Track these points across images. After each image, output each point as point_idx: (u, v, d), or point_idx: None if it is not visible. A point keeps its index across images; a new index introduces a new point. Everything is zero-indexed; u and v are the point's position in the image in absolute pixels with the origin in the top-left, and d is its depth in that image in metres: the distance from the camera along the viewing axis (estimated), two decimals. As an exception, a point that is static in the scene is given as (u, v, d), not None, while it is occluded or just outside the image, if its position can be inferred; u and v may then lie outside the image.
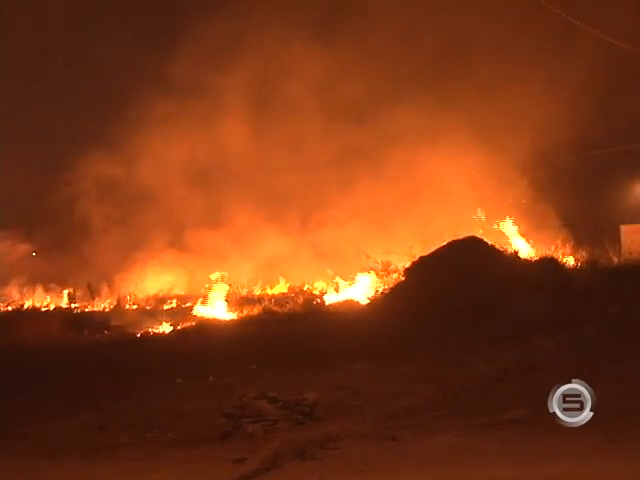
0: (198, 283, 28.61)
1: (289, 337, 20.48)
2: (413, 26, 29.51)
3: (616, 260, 25.33)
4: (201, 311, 25.97)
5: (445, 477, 9.30)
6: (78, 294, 29.73)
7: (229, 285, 26.72)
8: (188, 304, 27.64)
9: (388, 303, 22.28)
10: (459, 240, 23.14)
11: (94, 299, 29.20)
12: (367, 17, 30.64)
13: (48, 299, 29.60)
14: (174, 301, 28.30)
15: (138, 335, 24.04)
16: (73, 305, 29.03)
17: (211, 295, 26.45)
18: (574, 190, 27.40)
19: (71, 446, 12.72)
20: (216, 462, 10.94)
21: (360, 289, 25.73)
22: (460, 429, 11.77)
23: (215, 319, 24.96)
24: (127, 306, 28.20)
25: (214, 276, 26.88)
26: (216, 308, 25.87)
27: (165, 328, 24.50)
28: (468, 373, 15.05)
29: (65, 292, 30.02)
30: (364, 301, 24.62)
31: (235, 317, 25.01)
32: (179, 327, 24.42)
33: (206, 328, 23.47)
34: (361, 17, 30.45)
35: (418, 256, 24.10)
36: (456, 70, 29.75)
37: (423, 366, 16.37)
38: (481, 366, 15.58)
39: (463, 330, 18.72)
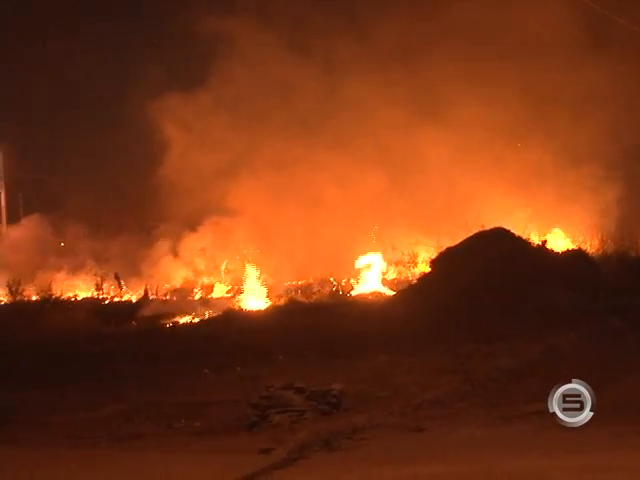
0: (225, 273, 28.69)
1: (315, 328, 20.50)
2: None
3: (645, 252, 25.17)
4: (228, 301, 26.04)
5: (472, 469, 9.25)
6: (105, 284, 29.78)
7: (256, 276, 26.72)
8: (215, 294, 27.77)
9: (414, 294, 22.23)
10: (486, 231, 23.03)
11: (122, 289, 29.29)
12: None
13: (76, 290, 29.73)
14: (201, 291, 28.40)
15: (166, 325, 24.16)
16: (101, 295, 29.12)
17: (239, 285, 26.55)
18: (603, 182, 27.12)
19: (97, 436, 12.82)
20: (243, 452, 10.96)
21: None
22: (486, 420, 11.75)
23: (242, 309, 25.03)
24: (154, 296, 28.27)
25: (243, 267, 26.91)
26: (243, 298, 25.93)
27: (192, 318, 24.59)
28: (494, 364, 15.00)
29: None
30: (390, 292, 24.66)
31: (262, 307, 25.08)
32: (206, 317, 24.51)
33: (233, 318, 23.54)
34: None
35: (445, 247, 24.03)
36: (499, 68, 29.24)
37: (449, 357, 16.37)
38: (507, 358, 15.52)
39: (489, 321, 18.68)
